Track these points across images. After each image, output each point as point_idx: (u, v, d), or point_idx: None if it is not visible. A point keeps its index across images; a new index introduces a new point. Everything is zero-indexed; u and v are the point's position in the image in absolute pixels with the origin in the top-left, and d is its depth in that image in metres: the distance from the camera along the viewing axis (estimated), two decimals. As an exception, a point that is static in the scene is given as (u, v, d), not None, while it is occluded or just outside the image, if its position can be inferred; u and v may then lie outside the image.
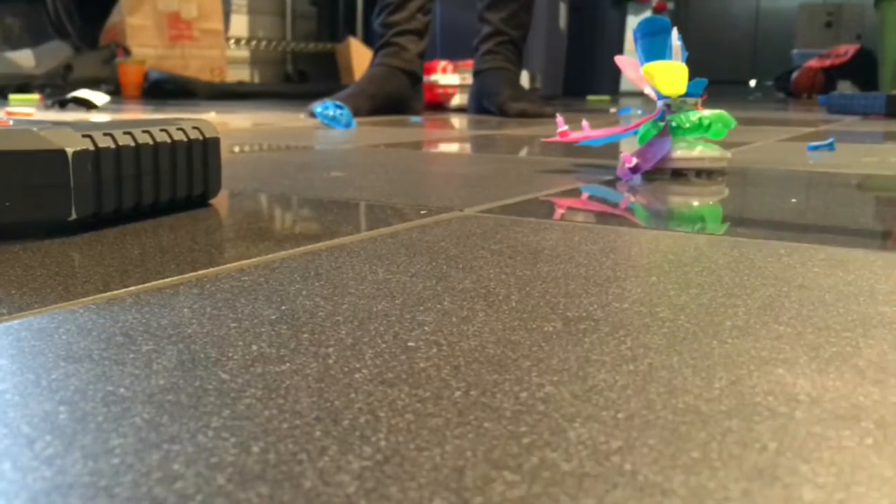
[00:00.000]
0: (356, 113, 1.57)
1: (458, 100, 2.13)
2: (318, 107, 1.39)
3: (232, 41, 3.31)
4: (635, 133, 0.76)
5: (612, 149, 1.02)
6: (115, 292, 0.32)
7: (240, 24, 3.44)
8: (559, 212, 0.54)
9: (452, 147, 1.07)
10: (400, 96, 1.76)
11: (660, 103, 0.72)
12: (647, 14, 3.67)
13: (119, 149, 0.45)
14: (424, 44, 1.79)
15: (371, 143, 1.06)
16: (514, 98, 1.73)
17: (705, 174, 0.71)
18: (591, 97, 3.13)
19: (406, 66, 1.76)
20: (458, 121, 1.66)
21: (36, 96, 2.25)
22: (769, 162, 0.85)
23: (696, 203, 0.58)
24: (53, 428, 0.19)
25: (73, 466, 0.18)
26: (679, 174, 0.70)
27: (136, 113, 1.78)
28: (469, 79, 2.00)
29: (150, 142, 0.47)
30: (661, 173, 0.71)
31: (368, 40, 3.76)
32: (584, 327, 0.28)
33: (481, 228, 0.46)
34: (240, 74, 3.43)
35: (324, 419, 0.20)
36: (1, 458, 0.18)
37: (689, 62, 0.73)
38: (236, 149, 0.96)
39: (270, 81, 3.58)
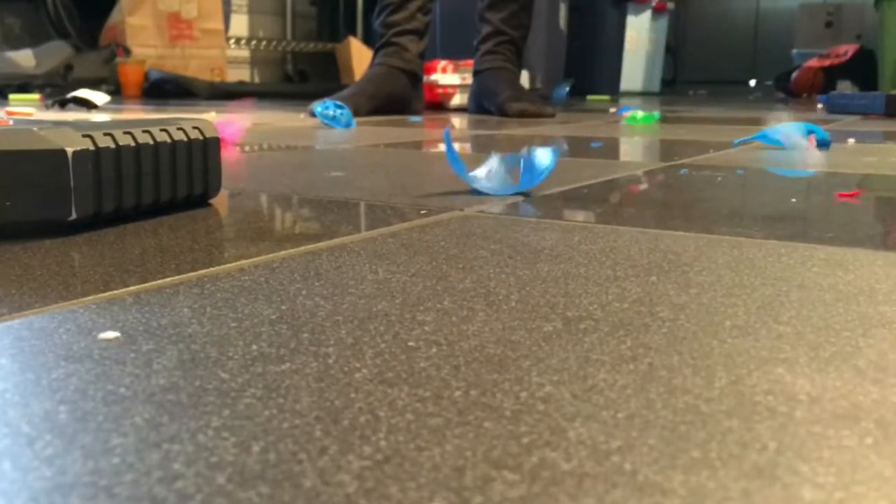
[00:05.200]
0: (356, 113, 1.58)
1: (458, 100, 2.13)
2: (318, 106, 1.39)
3: (232, 41, 3.31)
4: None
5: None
6: (116, 292, 0.32)
7: (240, 24, 3.44)
8: (560, 211, 0.54)
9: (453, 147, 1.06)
10: (400, 96, 1.75)
11: None
12: (648, 14, 3.67)
13: (119, 148, 0.45)
14: (424, 44, 1.79)
15: (371, 143, 1.06)
16: (514, 98, 1.72)
17: None
18: (590, 97, 3.13)
19: (406, 66, 1.75)
20: (458, 121, 1.66)
21: (36, 96, 2.25)
22: (769, 162, 0.85)
23: (693, 201, 0.58)
24: (54, 427, 0.19)
25: (74, 466, 0.18)
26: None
27: (136, 113, 1.78)
28: (469, 79, 2.00)
29: (151, 141, 0.47)
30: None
31: (368, 40, 3.76)
32: (584, 327, 0.28)
33: (481, 228, 0.46)
34: (240, 74, 3.43)
35: (324, 419, 0.20)
36: (1, 457, 0.18)
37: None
38: (236, 148, 0.96)
39: (270, 81, 3.58)
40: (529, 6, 1.83)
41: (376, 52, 1.80)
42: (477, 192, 0.59)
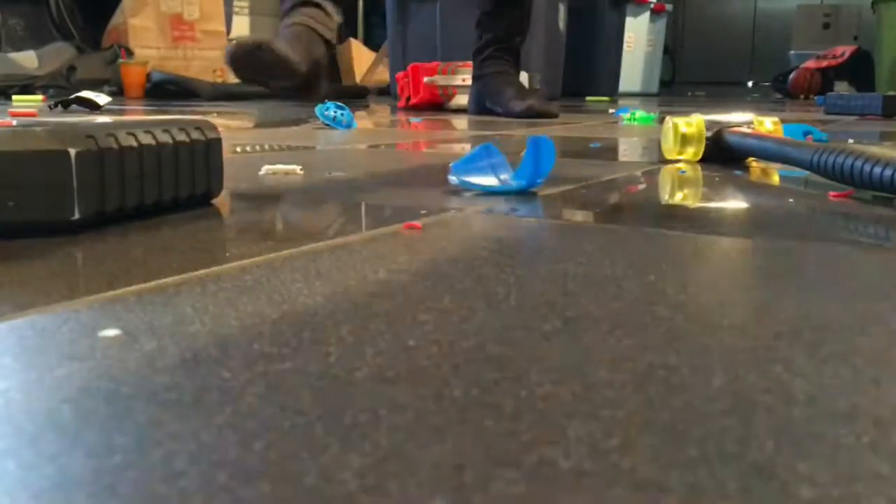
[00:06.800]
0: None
1: (458, 100, 2.13)
2: (319, 107, 1.39)
3: (234, 42, 3.31)
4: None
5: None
6: (118, 291, 0.32)
7: (241, 26, 3.44)
8: (559, 211, 0.54)
9: (454, 147, 1.07)
10: (318, 66, 1.41)
11: None
12: (646, 15, 3.67)
13: (122, 149, 0.45)
14: (341, 17, 1.49)
15: (372, 144, 1.06)
16: (519, 97, 1.71)
17: None
18: (589, 98, 3.13)
19: (327, 34, 1.43)
20: (458, 121, 1.66)
21: (39, 97, 2.25)
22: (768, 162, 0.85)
23: (687, 202, 0.58)
24: (56, 426, 0.20)
25: (76, 464, 0.18)
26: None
27: (138, 114, 1.78)
28: (469, 79, 2.00)
29: (153, 142, 0.47)
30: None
31: (369, 41, 3.76)
32: (583, 326, 0.28)
33: (481, 228, 0.46)
34: (241, 75, 3.43)
35: (325, 417, 0.20)
36: (4, 456, 0.18)
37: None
38: (238, 149, 0.96)
39: (271, 82, 3.58)
40: (529, 11, 1.81)
41: (290, 10, 1.41)
42: (481, 192, 0.59)
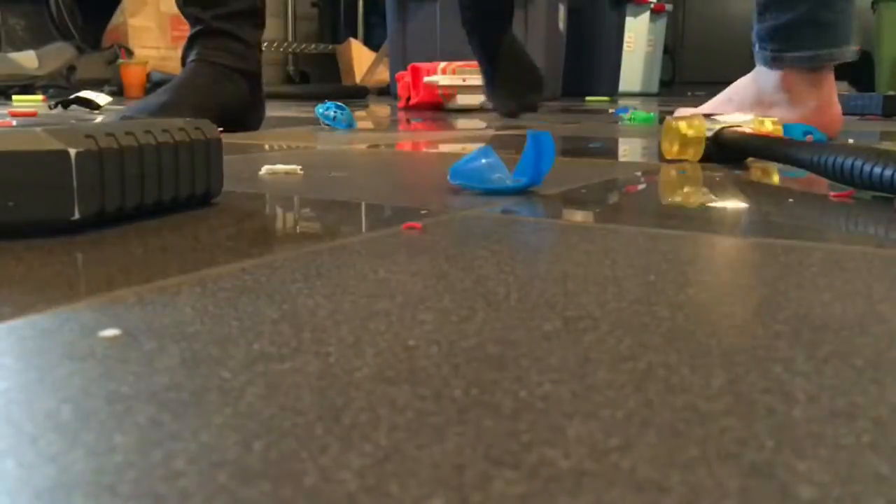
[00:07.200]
0: None
1: (458, 100, 2.13)
2: (319, 107, 1.39)
3: (233, 42, 3.30)
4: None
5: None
6: (118, 291, 0.32)
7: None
8: (559, 211, 0.54)
9: (454, 147, 1.07)
10: (236, 108, 1.19)
11: None
12: (646, 15, 3.67)
13: (122, 149, 0.45)
14: (262, 32, 1.26)
15: (372, 144, 1.06)
16: (508, 98, 1.69)
17: None
18: (589, 98, 3.13)
19: (241, 64, 1.19)
20: (458, 121, 1.66)
21: (39, 97, 2.25)
22: (768, 162, 0.85)
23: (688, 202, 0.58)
24: (56, 426, 0.20)
25: (76, 464, 0.18)
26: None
27: (137, 114, 1.77)
28: (469, 79, 2.00)
29: (153, 142, 0.47)
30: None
31: (369, 41, 3.76)
32: (583, 326, 0.28)
33: (481, 228, 0.46)
34: (241, 75, 3.43)
35: (325, 417, 0.20)
36: (4, 455, 0.18)
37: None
38: (238, 149, 0.96)
39: (272, 82, 3.58)
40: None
41: (192, 41, 1.19)
42: (481, 192, 0.59)
